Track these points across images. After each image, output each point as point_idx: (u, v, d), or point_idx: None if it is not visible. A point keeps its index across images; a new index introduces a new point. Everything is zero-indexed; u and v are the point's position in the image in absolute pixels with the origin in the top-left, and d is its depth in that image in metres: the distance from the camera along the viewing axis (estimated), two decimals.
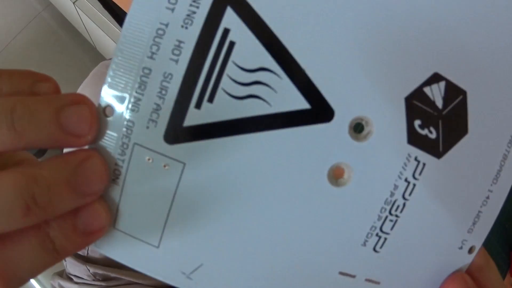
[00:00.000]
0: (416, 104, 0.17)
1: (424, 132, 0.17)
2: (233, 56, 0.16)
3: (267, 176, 0.17)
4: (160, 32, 0.16)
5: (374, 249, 0.19)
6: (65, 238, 0.17)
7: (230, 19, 0.16)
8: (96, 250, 0.19)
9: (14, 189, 0.15)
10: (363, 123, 0.17)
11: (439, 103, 0.17)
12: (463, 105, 0.18)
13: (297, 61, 0.16)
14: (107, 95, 0.17)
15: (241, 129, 0.17)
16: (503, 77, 0.18)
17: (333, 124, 0.17)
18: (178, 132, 0.16)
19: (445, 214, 0.19)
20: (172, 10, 0.16)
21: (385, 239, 0.19)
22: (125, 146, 0.17)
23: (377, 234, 0.19)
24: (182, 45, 0.16)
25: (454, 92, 0.18)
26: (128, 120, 0.16)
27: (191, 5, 0.16)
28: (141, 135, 0.17)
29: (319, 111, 0.16)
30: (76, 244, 0.17)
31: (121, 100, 0.16)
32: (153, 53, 0.16)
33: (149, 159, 0.17)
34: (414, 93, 0.17)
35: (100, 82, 0.58)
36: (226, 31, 0.16)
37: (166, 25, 0.16)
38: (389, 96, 0.17)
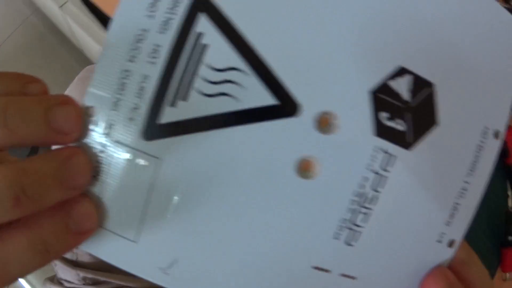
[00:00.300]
0: (381, 97, 0.18)
1: (392, 124, 0.18)
2: (205, 58, 0.17)
3: (237, 169, 0.18)
4: (140, 37, 0.17)
5: (348, 243, 0.19)
6: (57, 239, 0.18)
7: (203, 24, 0.17)
8: (79, 247, 0.19)
9: (5, 180, 0.16)
10: (329, 117, 0.18)
11: (406, 95, 0.18)
12: (430, 97, 0.18)
13: (264, 60, 0.17)
14: (91, 96, 0.18)
15: (212, 125, 0.18)
16: (473, 69, 0.19)
17: (299, 118, 0.18)
18: (154, 129, 0.18)
19: (420, 206, 0.19)
20: (151, 17, 0.17)
21: (360, 232, 0.19)
22: (105, 143, 0.18)
23: (349, 228, 0.19)
24: (159, 48, 0.17)
25: (421, 85, 0.18)
26: (109, 119, 0.18)
27: (168, 12, 0.17)
28: (121, 133, 0.18)
29: (284, 106, 0.18)
30: (67, 244, 0.18)
31: (103, 100, 0.18)
32: (133, 56, 0.17)
33: (127, 156, 0.18)
34: (378, 87, 0.18)
35: (85, 86, 0.58)
36: (199, 35, 0.17)
37: (146, 30, 0.17)
38: (353, 90, 0.18)
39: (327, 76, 0.18)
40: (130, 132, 0.18)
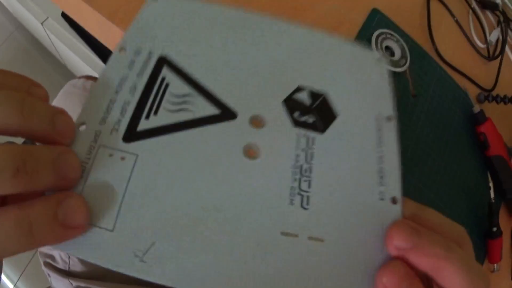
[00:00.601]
0: (291, 104, 0.26)
1: (304, 118, 0.26)
2: (169, 89, 0.25)
3: (198, 157, 0.24)
4: (123, 80, 0.25)
5: (302, 206, 0.24)
6: (43, 223, 0.18)
7: (166, 72, 0.26)
8: (61, 246, 0.20)
9: (11, 152, 0.18)
10: (259, 118, 0.25)
11: (308, 101, 0.27)
12: (325, 100, 0.27)
13: (206, 88, 0.26)
14: (84, 114, 0.23)
15: (175, 129, 0.24)
16: (349, 82, 0.28)
17: (237, 120, 0.25)
18: (133, 135, 0.23)
19: (348, 171, 0.25)
20: (131, 68, 0.25)
21: (308, 196, 0.24)
22: (92, 148, 0.22)
23: (299, 193, 0.24)
24: (136, 85, 0.25)
25: (316, 94, 0.27)
26: (97, 130, 0.23)
27: (142, 66, 0.25)
28: (106, 139, 0.23)
29: (225, 113, 0.25)
30: (53, 233, 0.19)
31: (93, 118, 0.23)
32: (117, 90, 0.24)
33: (110, 155, 0.22)
34: (288, 98, 0.27)
35: (68, 99, 0.60)
36: (163, 78, 0.25)
37: (127, 75, 0.25)
38: (271, 101, 0.26)
39: (252, 94, 0.26)
40: (114, 138, 0.23)
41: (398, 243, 0.22)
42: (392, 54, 0.45)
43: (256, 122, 0.25)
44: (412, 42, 0.49)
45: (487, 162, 0.51)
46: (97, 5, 0.38)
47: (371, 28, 0.46)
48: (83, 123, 0.23)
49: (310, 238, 0.23)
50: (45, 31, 1.02)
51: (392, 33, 0.46)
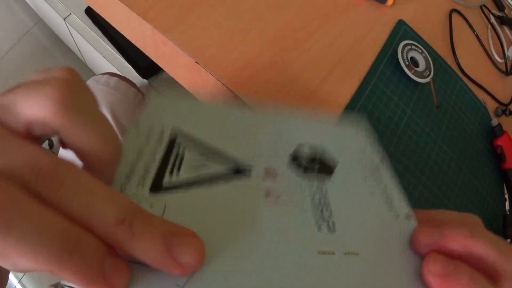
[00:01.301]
0: (296, 157, 0.31)
1: (311, 166, 0.30)
2: (186, 154, 0.27)
3: (223, 209, 0.25)
4: (141, 149, 0.26)
5: (330, 230, 0.26)
6: (88, 256, 0.16)
7: (180, 140, 0.28)
8: None
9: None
10: (271, 170, 0.29)
11: (310, 153, 0.31)
12: (325, 152, 0.32)
13: (218, 151, 0.28)
14: None
15: (200, 183, 0.26)
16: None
17: (252, 175, 0.28)
18: (159, 187, 0.24)
19: (360, 203, 0.29)
20: (147, 140, 0.27)
21: (333, 222, 0.26)
22: None
23: (323, 220, 0.26)
24: (155, 155, 0.26)
25: (315, 148, 0.32)
26: (122, 184, 0.24)
27: (156, 143, 0.27)
28: (132, 191, 0.23)
29: (241, 169, 0.28)
30: (89, 273, 0.16)
31: (118, 176, 0.24)
32: (138, 156, 0.25)
33: (138, 202, 0.22)
34: (293, 153, 0.31)
35: None
36: (180, 146, 0.27)
37: (145, 145, 0.26)
38: (281, 157, 0.30)
39: (262, 155, 0.29)
40: (140, 191, 0.23)
41: (424, 240, 0.24)
42: (417, 65, 0.46)
43: (269, 173, 0.29)
44: (435, 54, 0.50)
45: (503, 174, 0.52)
46: (129, 2, 0.39)
47: (396, 39, 0.47)
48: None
49: (346, 253, 0.24)
50: (67, 27, 1.04)
51: (417, 44, 0.47)
